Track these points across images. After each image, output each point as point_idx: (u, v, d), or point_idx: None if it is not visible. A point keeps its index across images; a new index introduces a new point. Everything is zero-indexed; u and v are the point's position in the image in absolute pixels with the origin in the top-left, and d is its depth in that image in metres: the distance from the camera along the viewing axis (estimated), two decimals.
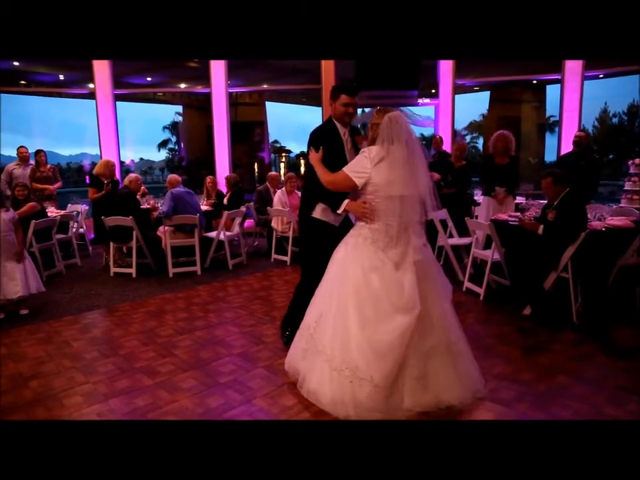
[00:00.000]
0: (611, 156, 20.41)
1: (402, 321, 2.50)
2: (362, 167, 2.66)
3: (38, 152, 7.29)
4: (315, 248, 3.23)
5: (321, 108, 9.10)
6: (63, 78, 11.18)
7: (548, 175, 4.13)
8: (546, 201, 4.38)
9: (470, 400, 2.65)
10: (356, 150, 3.19)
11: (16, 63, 9.92)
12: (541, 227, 4.06)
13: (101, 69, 8.49)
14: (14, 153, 7.38)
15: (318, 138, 3.14)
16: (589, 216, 4.23)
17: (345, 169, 2.72)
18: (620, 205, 6.26)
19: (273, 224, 6.52)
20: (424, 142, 20.12)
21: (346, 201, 2.82)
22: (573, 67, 8.03)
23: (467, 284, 4.87)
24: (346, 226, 3.07)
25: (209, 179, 7.54)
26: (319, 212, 3.23)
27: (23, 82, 11.08)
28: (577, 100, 8.09)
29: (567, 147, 7.00)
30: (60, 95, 11.86)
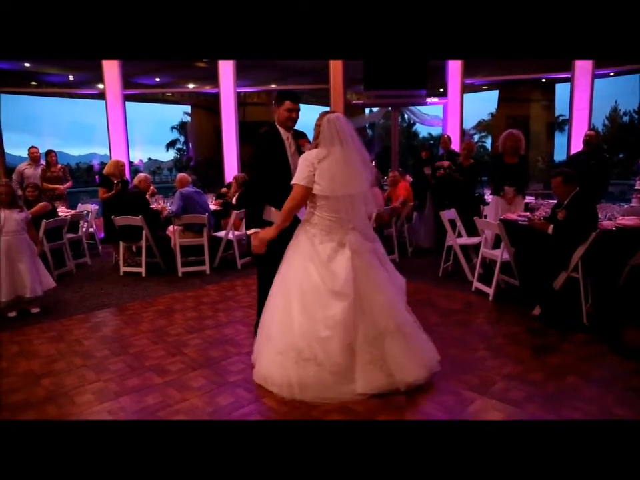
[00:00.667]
0: (621, 155, 20.20)
1: (338, 306, 2.71)
2: (307, 171, 2.81)
3: (48, 152, 7.37)
4: (269, 248, 3.16)
5: (328, 108, 9.10)
6: (72, 78, 11.28)
7: (558, 174, 4.10)
8: (555, 201, 4.35)
9: (425, 377, 2.86)
10: (299, 153, 3.28)
11: (27, 64, 10.02)
12: (551, 226, 4.04)
13: (111, 69, 8.54)
14: (25, 153, 7.47)
15: (263, 141, 3.38)
16: (599, 215, 4.20)
17: (295, 182, 2.85)
18: (631, 204, 6.20)
19: None
20: (432, 141, 20.06)
21: (252, 230, 3.17)
22: (583, 65, 7.96)
23: (476, 284, 4.85)
24: (295, 223, 3.08)
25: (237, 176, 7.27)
26: (269, 214, 3.29)
27: (33, 83, 11.20)
28: (587, 98, 8.02)
29: (577, 146, 6.95)
30: (70, 96, 11.96)
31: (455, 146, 7.59)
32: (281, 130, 3.38)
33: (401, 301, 2.93)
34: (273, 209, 3.27)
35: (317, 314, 2.74)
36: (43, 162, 7.36)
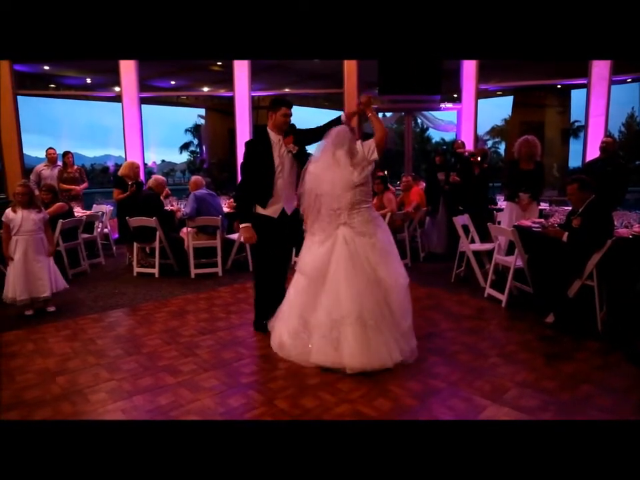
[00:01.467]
0: (637, 162, 19.94)
1: (300, 281, 3.38)
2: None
3: (65, 153, 7.48)
4: (261, 238, 3.77)
5: (342, 112, 9.10)
6: (90, 81, 11.45)
7: (574, 181, 4.07)
8: (570, 207, 4.31)
9: (372, 368, 3.07)
10: (288, 151, 3.72)
11: (46, 67, 10.21)
12: (566, 234, 4.00)
13: (127, 72, 8.66)
14: (42, 154, 7.59)
15: (251, 145, 3.78)
16: (615, 223, 4.15)
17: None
18: None
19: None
20: (444, 146, 19.95)
21: (243, 225, 3.75)
22: (599, 72, 7.88)
23: (488, 290, 4.82)
24: (283, 217, 3.74)
25: None
26: (259, 209, 3.76)
27: (52, 85, 11.40)
28: (604, 105, 7.93)
29: (593, 153, 6.88)
30: (87, 98, 12.15)
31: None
32: (272, 133, 3.70)
33: (372, 294, 3.16)
34: (258, 205, 3.74)
35: (291, 288, 3.48)
36: (59, 163, 7.48)
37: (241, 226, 3.77)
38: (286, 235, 3.82)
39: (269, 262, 3.81)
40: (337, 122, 3.63)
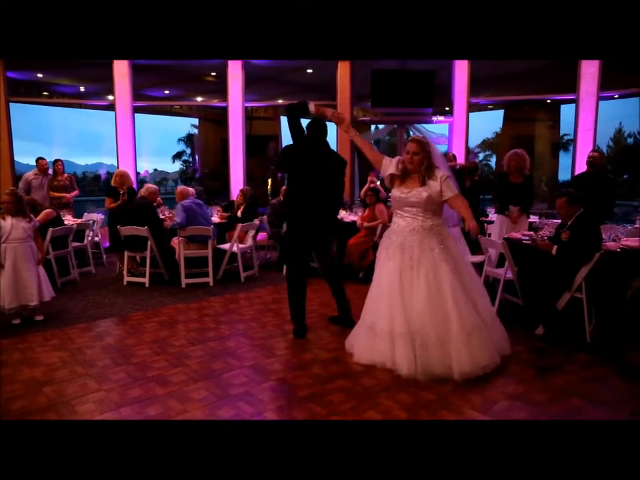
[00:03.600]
0: (625, 176, 20.24)
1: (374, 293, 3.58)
2: None
3: (56, 161, 7.46)
4: (294, 243, 4.14)
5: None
6: (83, 89, 11.44)
7: (562, 194, 4.12)
8: (559, 220, 4.36)
9: (454, 376, 3.15)
10: None
11: (39, 75, 10.19)
12: (555, 247, 4.04)
13: (121, 81, 8.66)
14: (32, 161, 7.55)
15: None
16: (603, 236, 4.20)
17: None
18: (635, 225, 6.19)
19: None
20: None
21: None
22: (588, 88, 8.03)
23: None
24: (311, 227, 4.03)
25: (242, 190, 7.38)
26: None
27: (45, 93, 11.37)
28: (592, 120, 8.07)
29: (581, 167, 6.97)
30: (80, 106, 12.12)
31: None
32: None
33: (441, 309, 3.23)
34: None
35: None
36: (50, 172, 7.45)
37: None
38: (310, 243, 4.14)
39: (299, 268, 4.14)
40: (302, 109, 3.87)
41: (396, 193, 3.47)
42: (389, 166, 3.53)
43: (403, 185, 3.45)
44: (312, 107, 3.82)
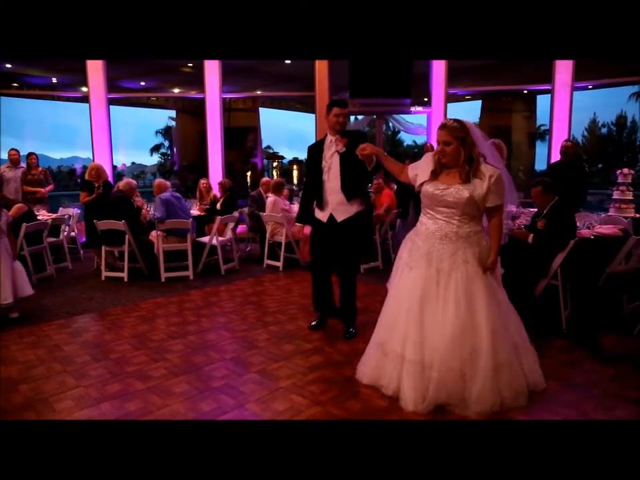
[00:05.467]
0: (600, 165, 20.68)
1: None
2: None
3: (29, 155, 7.26)
4: (313, 240, 3.94)
5: (314, 115, 9.13)
6: (55, 81, 11.15)
7: (538, 183, 4.18)
8: (536, 209, 4.44)
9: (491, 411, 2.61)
10: (340, 153, 3.64)
11: (8, 65, 9.88)
12: (531, 235, 4.11)
13: (95, 72, 8.47)
14: (4, 155, 7.36)
15: (310, 148, 3.88)
16: (578, 224, 4.29)
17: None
18: (608, 213, 6.35)
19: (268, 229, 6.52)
20: (415, 149, 20.24)
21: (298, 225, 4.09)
22: (562, 78, 8.16)
23: None
24: (332, 223, 3.71)
25: (202, 181, 7.54)
26: (316, 211, 3.85)
27: (15, 84, 11.04)
28: (567, 110, 8.21)
29: (557, 157, 7.09)
30: (53, 98, 11.82)
31: None
32: (328, 135, 3.74)
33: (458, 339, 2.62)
34: (316, 207, 3.83)
35: None
36: (23, 164, 7.26)
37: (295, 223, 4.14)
38: (336, 241, 3.71)
39: (318, 263, 3.91)
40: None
41: (429, 188, 2.77)
42: (418, 172, 2.89)
43: (439, 180, 2.77)
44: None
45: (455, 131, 2.66)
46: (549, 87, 8.38)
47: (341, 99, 3.86)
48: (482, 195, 2.65)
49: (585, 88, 9.20)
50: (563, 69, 8.11)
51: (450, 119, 2.75)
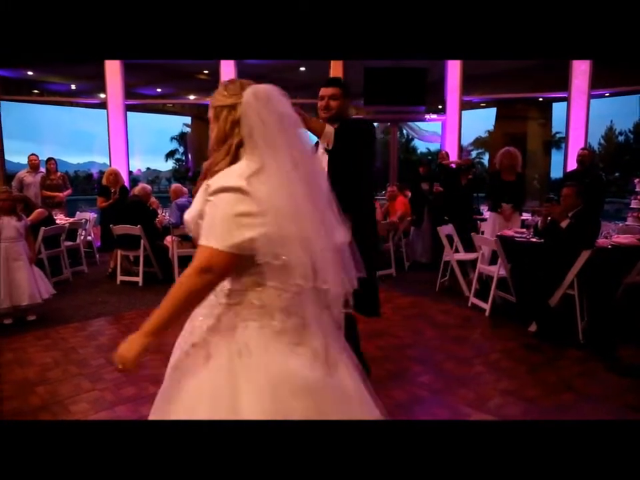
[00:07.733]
0: (617, 174, 20.41)
1: None
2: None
3: (49, 160, 7.39)
4: None
5: None
6: (74, 87, 11.36)
7: (574, 185, 4.19)
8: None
9: None
10: (326, 150, 2.74)
11: (30, 73, 10.10)
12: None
13: (113, 79, 8.61)
14: (24, 160, 7.49)
15: None
16: None
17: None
18: (626, 222, 6.27)
19: None
20: (429, 157, 20.22)
21: None
22: (579, 85, 8.08)
23: (472, 299, 4.87)
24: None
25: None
26: None
27: (35, 91, 11.27)
28: (583, 118, 8.13)
29: (573, 165, 7.03)
30: (71, 104, 12.02)
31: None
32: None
33: None
34: None
35: None
36: (42, 169, 7.39)
37: None
38: None
39: None
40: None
41: None
42: None
43: None
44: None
45: None
46: (565, 95, 8.31)
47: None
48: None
49: (602, 95, 9.11)
50: (580, 77, 8.04)
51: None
